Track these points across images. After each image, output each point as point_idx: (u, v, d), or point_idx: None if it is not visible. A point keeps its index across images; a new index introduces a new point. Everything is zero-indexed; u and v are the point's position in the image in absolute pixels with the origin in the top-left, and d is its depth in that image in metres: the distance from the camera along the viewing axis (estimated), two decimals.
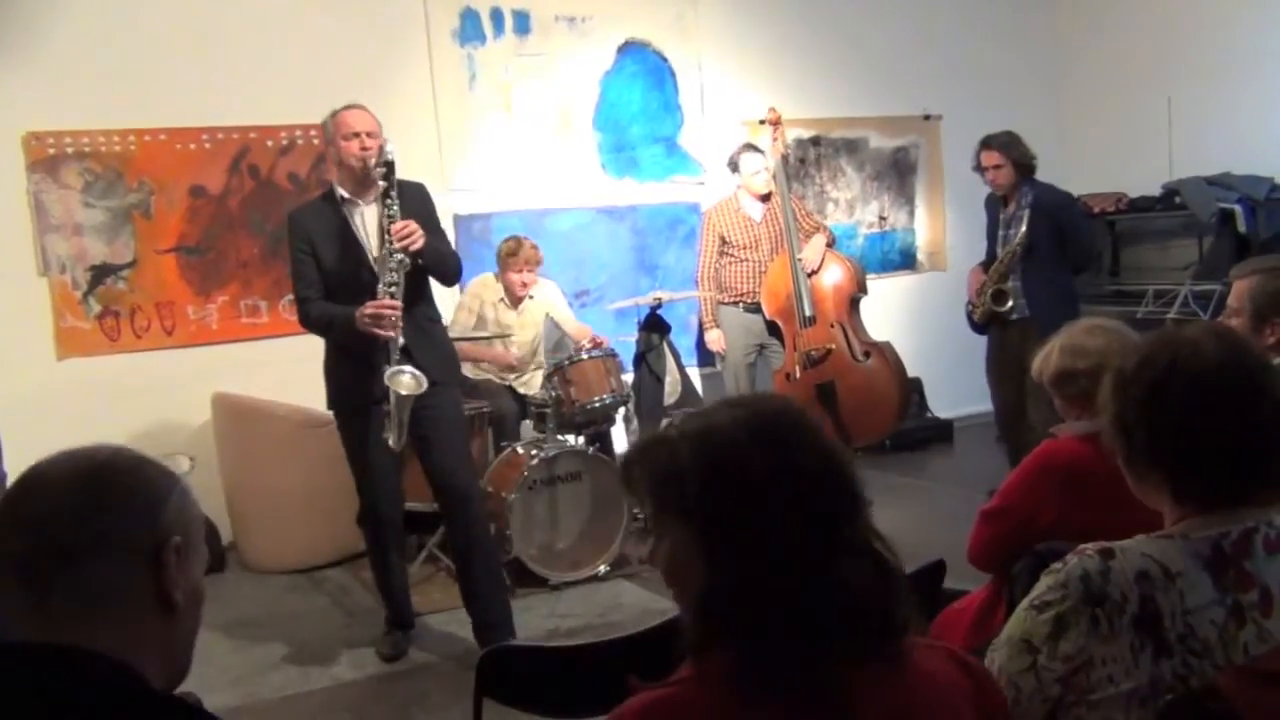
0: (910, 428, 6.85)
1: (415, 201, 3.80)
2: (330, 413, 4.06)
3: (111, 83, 5.20)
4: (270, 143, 5.58)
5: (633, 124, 6.53)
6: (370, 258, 3.78)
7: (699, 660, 1.22)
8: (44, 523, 1.19)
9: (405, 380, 3.69)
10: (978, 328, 5.50)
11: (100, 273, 5.27)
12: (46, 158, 5.14)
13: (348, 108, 3.83)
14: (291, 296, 5.51)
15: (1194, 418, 1.47)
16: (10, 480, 2.12)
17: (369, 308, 3.63)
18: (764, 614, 1.19)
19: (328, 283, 3.82)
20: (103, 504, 1.20)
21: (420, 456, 4.01)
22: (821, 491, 1.24)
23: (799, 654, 1.17)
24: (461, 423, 4.12)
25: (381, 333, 3.64)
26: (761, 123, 6.24)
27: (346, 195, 3.82)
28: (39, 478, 1.23)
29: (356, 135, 3.74)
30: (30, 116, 5.08)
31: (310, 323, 3.86)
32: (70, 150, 5.18)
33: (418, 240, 3.66)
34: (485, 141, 6.11)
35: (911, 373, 6.30)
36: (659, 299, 5.50)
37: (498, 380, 5.44)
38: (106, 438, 1.31)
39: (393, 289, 3.66)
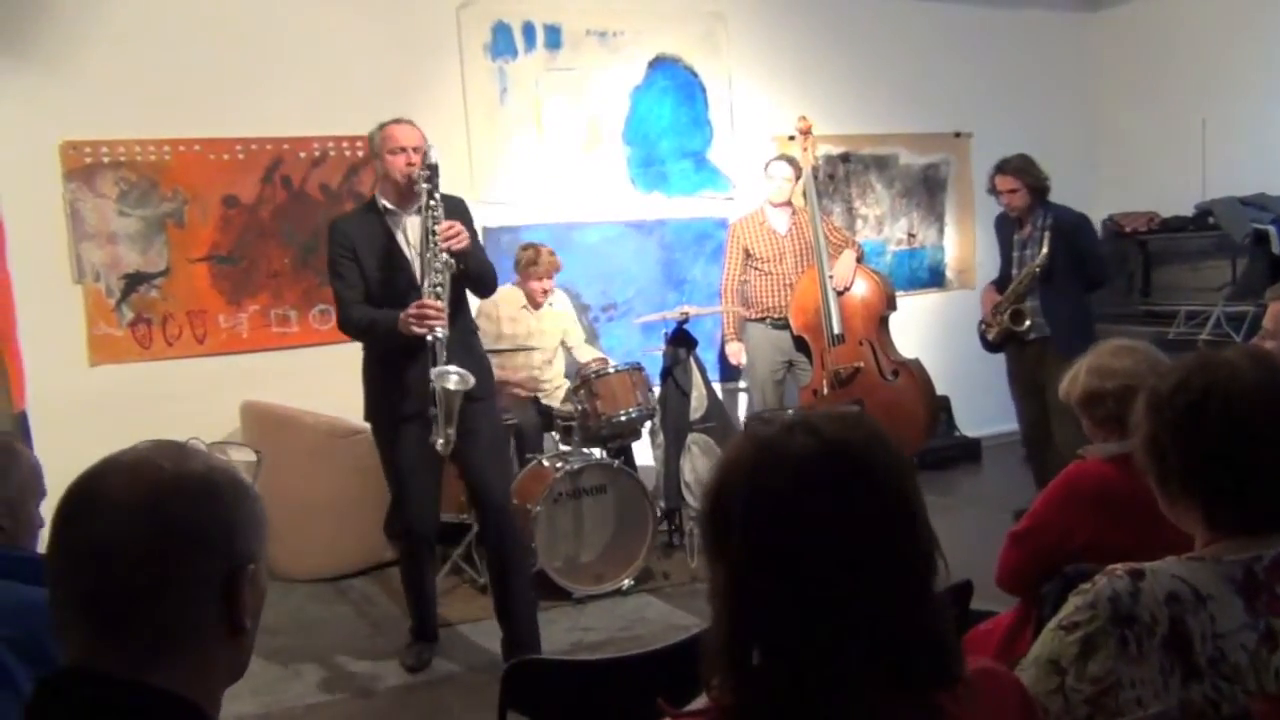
0: (938, 446, 6.82)
1: (455, 214, 3.81)
2: (365, 424, 4.09)
3: (147, 93, 5.27)
4: (303, 154, 5.63)
5: (662, 139, 6.55)
6: (414, 268, 3.80)
7: (712, 693, 1.17)
8: (108, 560, 1.10)
9: (453, 378, 3.65)
10: (991, 346, 5.52)
11: (133, 281, 5.32)
12: (83, 166, 5.20)
13: (395, 122, 3.85)
14: (323, 306, 5.69)
15: (1230, 443, 1.46)
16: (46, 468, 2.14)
17: (413, 307, 3.62)
18: (759, 658, 1.13)
19: (370, 292, 3.83)
20: (171, 540, 1.11)
21: (461, 470, 4.04)
22: (855, 546, 1.12)
23: (799, 699, 1.11)
24: (500, 437, 4.14)
25: (426, 332, 3.62)
26: (791, 138, 6.25)
27: (390, 206, 3.86)
28: (98, 499, 1.13)
29: (403, 150, 3.77)
30: (67, 126, 5.14)
31: (351, 325, 3.84)
32: (106, 159, 5.24)
33: (463, 239, 3.69)
34: (515, 154, 6.13)
35: (940, 391, 6.27)
36: (686, 313, 5.50)
37: (523, 392, 5.45)
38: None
39: (438, 289, 3.65)
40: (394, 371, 3.81)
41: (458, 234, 3.67)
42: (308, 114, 5.60)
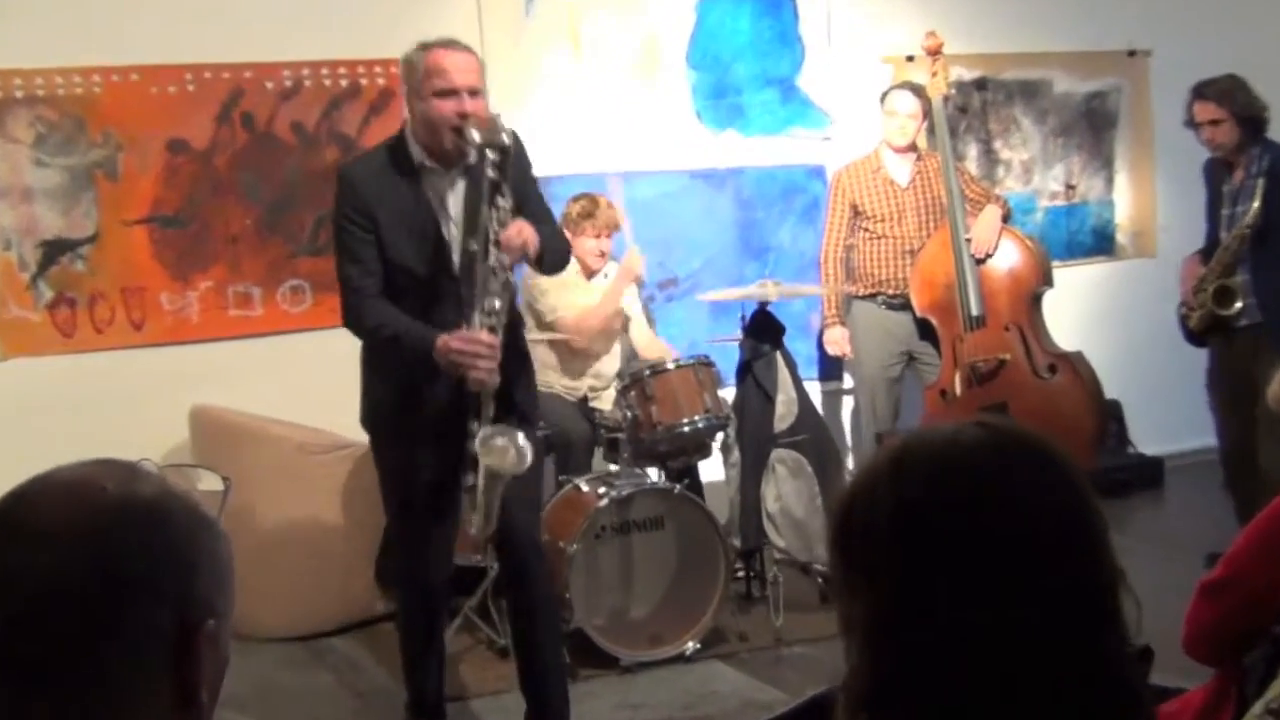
0: (1107, 467, 6.73)
1: (515, 162, 3.70)
2: (349, 437, 4.08)
3: (72, 11, 5.33)
4: (270, 84, 5.68)
5: (738, 61, 6.53)
6: (452, 252, 3.72)
7: None
8: (32, 600, 1.11)
9: (501, 452, 3.57)
10: (1195, 337, 5.40)
11: (53, 249, 5.40)
12: None
13: (443, 46, 3.67)
14: (296, 281, 5.77)
15: None
16: None
17: (457, 340, 3.53)
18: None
19: (392, 278, 3.73)
20: (111, 580, 1.12)
21: None
22: (1051, 571, 1.19)
23: None
24: (538, 469, 4.10)
25: (472, 376, 3.53)
26: (910, 59, 6.21)
27: (428, 163, 3.73)
28: (23, 525, 1.14)
29: (455, 93, 3.60)
30: None
31: (364, 330, 3.77)
32: (19, 94, 5.32)
33: (533, 244, 3.64)
34: (545, 85, 6.15)
35: (1109, 393, 6.20)
36: (770, 292, 5.47)
37: (566, 395, 5.48)
38: (59, 458, 1.25)
39: (493, 319, 3.57)
40: (408, 378, 3.73)
41: (526, 240, 3.60)
42: (276, 34, 5.64)
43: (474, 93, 3.64)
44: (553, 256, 3.85)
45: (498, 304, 3.57)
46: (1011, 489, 1.21)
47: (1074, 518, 1.22)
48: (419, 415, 3.73)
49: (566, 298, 5.42)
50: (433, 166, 3.74)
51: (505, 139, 3.57)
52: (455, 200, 3.75)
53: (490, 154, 3.55)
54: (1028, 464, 1.23)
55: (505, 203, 3.57)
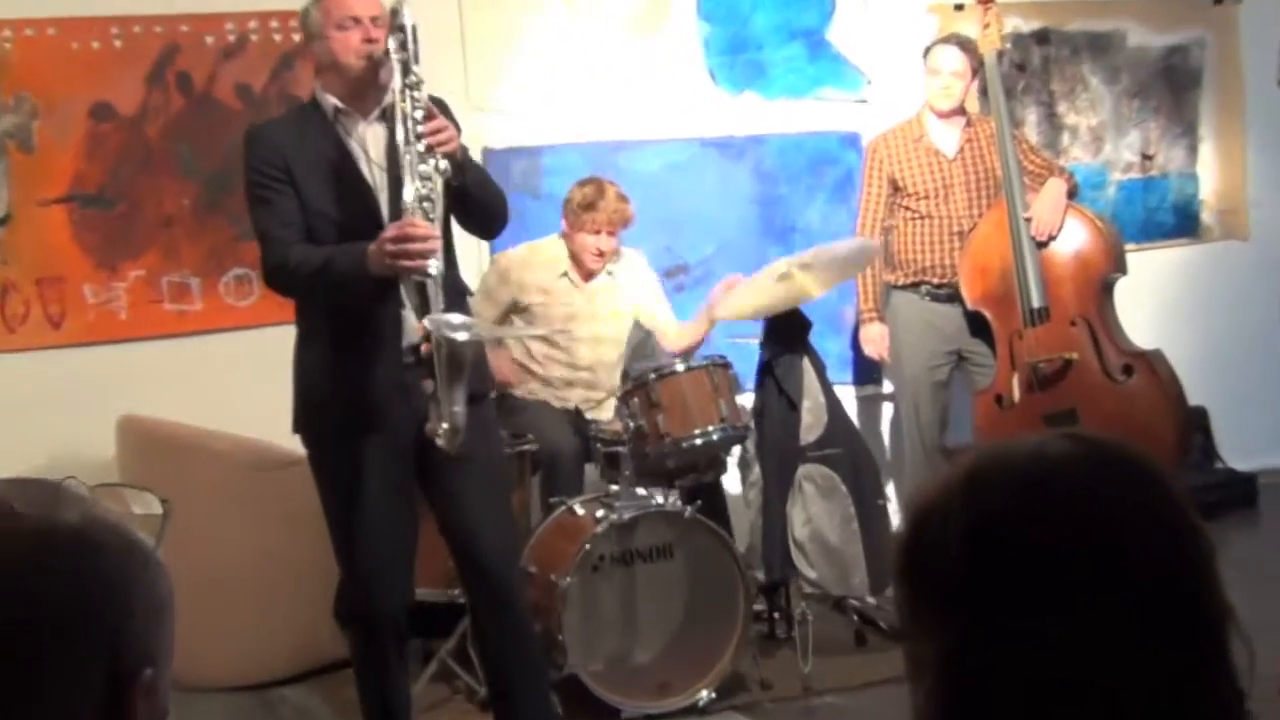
0: (1191, 484, 6.69)
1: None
2: (298, 443, 4.12)
3: None
4: (210, 39, 5.68)
5: (758, 11, 6.54)
6: (379, 198, 3.87)
7: None
8: None
9: (459, 330, 3.63)
10: None
11: None
12: None
13: None
14: (241, 270, 5.72)
15: None
16: None
17: (392, 229, 3.62)
18: None
19: (316, 231, 3.85)
20: (30, 620, 1.12)
21: (440, 523, 4.04)
22: (1158, 605, 1.19)
23: None
24: (500, 468, 4.14)
25: (410, 264, 3.61)
26: (958, 7, 6.18)
27: (341, 105, 3.90)
28: None
29: (357, 22, 3.80)
30: None
31: (286, 273, 3.85)
32: None
33: (452, 142, 3.72)
34: (532, 41, 6.15)
35: (1193, 399, 6.17)
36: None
37: (554, 400, 5.47)
38: None
39: (427, 205, 3.68)
40: (348, 355, 3.82)
41: (447, 132, 3.71)
42: None
43: (376, 21, 3.82)
44: (479, 190, 3.91)
45: (428, 186, 3.70)
46: (1106, 505, 1.20)
47: (1179, 542, 1.22)
48: (361, 401, 3.81)
49: (558, 302, 5.44)
50: (348, 110, 3.92)
51: (406, 18, 3.76)
52: (375, 143, 3.91)
53: (396, 35, 3.76)
54: (1126, 480, 1.23)
55: (419, 85, 3.73)
